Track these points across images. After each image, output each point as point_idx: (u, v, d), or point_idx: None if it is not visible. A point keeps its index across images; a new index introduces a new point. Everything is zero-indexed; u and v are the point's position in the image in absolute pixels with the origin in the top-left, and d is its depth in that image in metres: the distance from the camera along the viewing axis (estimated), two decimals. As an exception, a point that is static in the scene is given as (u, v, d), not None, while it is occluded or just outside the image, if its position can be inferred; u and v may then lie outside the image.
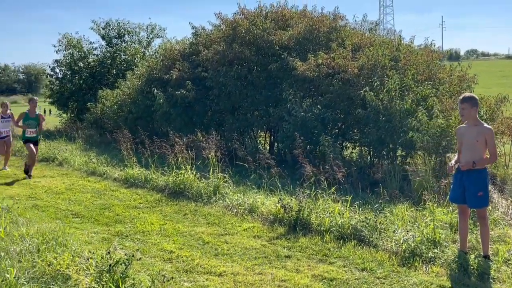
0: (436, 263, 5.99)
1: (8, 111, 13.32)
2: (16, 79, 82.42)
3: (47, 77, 28.07)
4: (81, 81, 25.29)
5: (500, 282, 5.47)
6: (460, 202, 6.20)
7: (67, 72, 25.61)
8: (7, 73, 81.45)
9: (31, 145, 12.33)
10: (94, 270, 4.94)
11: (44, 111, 39.31)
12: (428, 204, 7.68)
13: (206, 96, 14.60)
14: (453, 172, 6.25)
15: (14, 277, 4.60)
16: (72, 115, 25.01)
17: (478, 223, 6.40)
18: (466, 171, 6.00)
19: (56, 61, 25.76)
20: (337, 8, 14.86)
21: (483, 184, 5.98)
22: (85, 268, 5.06)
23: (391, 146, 11.00)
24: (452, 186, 6.34)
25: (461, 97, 6.13)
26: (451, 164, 6.24)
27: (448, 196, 7.76)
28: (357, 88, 11.56)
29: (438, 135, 9.66)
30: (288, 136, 11.75)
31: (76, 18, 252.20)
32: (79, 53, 25.52)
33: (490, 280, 5.52)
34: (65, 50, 25.37)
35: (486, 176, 6.08)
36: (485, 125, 6.07)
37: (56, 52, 25.55)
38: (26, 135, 12.41)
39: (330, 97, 12.06)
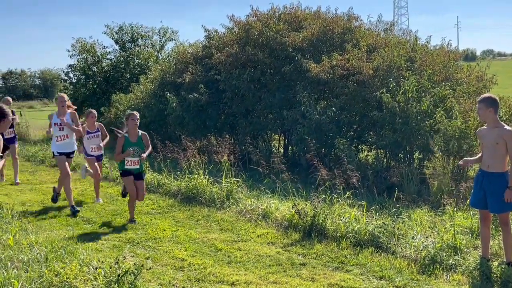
0: (457, 271, 5.77)
1: (96, 123, 10.20)
2: (32, 84, 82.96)
3: (61, 82, 28.12)
4: (95, 86, 25.29)
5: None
6: (481, 207, 5.97)
7: (81, 76, 25.62)
8: (24, 78, 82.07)
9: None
10: (102, 281, 4.79)
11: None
12: (448, 209, 7.47)
13: (219, 99, 14.45)
14: (466, 166, 6.15)
15: (19, 289, 4.47)
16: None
17: (500, 229, 6.14)
18: (487, 175, 5.78)
19: (70, 66, 25.78)
20: (351, 8, 14.64)
21: (505, 188, 5.73)
22: (92, 279, 4.91)
23: (408, 148, 10.76)
24: (473, 191, 6.10)
25: (479, 98, 5.93)
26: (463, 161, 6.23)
27: (468, 200, 7.55)
28: (373, 89, 11.33)
29: (457, 137, 9.40)
30: (302, 139, 11.55)
31: (90, 23, 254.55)
32: (93, 58, 25.52)
33: (515, 288, 5.28)
34: (79, 55, 25.38)
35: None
36: (506, 127, 5.81)
37: (70, 57, 25.57)
38: (127, 166, 8.35)
39: (345, 99, 11.84)
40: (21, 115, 23.89)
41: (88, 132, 10.02)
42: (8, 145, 9.15)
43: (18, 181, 12.13)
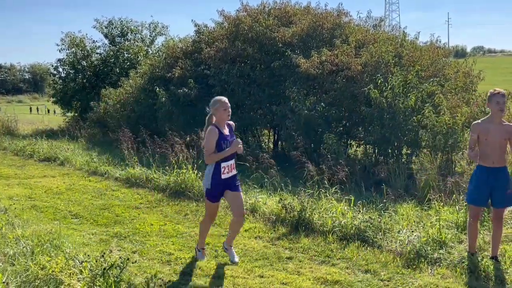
0: (442, 265, 5.82)
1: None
2: (22, 79, 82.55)
3: (50, 76, 27.99)
4: (84, 80, 25.21)
5: (508, 283, 5.28)
6: (481, 204, 5.89)
7: (70, 71, 25.51)
8: (13, 72, 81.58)
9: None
10: (88, 274, 4.79)
11: (48, 111, 39.39)
12: (434, 204, 7.51)
13: (209, 94, 14.39)
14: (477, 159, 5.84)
15: (4, 282, 4.45)
16: (76, 114, 24.91)
17: (492, 224, 6.06)
18: (493, 171, 5.73)
19: (59, 60, 25.67)
20: (341, 4, 14.70)
21: (510, 182, 5.75)
22: (78, 272, 4.91)
23: (396, 144, 10.82)
24: (474, 188, 5.87)
25: (500, 92, 5.69)
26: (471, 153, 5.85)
27: (455, 196, 7.61)
28: (361, 85, 11.38)
29: (444, 133, 9.47)
30: (291, 135, 11.58)
31: (79, 17, 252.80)
32: (82, 52, 25.41)
33: (498, 281, 5.33)
34: (68, 49, 25.27)
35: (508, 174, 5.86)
36: (508, 123, 5.82)
37: (59, 51, 25.49)
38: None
39: (334, 95, 11.89)
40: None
41: None
42: None
43: None
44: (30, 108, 41.76)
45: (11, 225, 6.85)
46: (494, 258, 5.77)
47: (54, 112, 40.43)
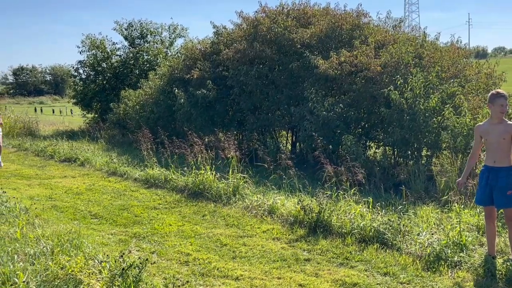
0: (462, 268, 5.74)
1: None
2: (43, 80, 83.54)
3: (71, 77, 28.31)
4: (104, 82, 25.47)
5: (530, 288, 5.19)
6: (487, 203, 5.92)
7: (91, 72, 25.78)
8: (34, 74, 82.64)
9: None
10: (107, 274, 4.82)
11: (71, 111, 39.97)
12: (454, 206, 7.42)
13: (227, 96, 14.48)
14: (462, 188, 6.11)
15: (24, 281, 4.50)
16: (96, 115, 25.17)
17: (506, 226, 6.10)
18: (494, 170, 5.74)
19: (80, 62, 25.95)
20: (360, 5, 14.57)
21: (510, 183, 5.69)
22: (97, 272, 4.94)
23: (415, 145, 10.71)
24: (478, 188, 6.04)
25: (504, 95, 5.76)
26: (460, 182, 6.23)
27: (474, 198, 7.51)
28: (380, 86, 11.28)
29: (465, 134, 9.35)
30: (310, 136, 11.53)
31: (100, 19, 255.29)
32: (102, 54, 25.64)
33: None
34: (89, 51, 25.52)
35: None
36: (509, 122, 5.79)
37: (80, 53, 25.75)
38: None
39: (352, 96, 11.80)
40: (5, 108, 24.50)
41: None
42: None
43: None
44: (53, 110, 42.38)
45: (32, 225, 6.94)
46: (513, 260, 5.69)
47: (71, 111, 40.89)
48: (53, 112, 41.30)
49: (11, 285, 4.53)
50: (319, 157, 9.23)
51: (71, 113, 40.33)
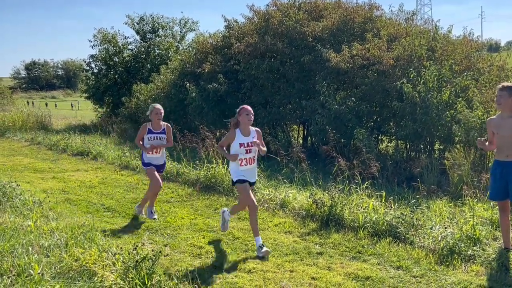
0: (476, 262, 5.70)
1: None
2: (55, 75, 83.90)
3: (83, 72, 28.46)
4: (116, 76, 25.56)
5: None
6: (501, 198, 5.87)
7: (103, 67, 25.89)
8: (46, 68, 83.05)
9: None
10: (121, 266, 4.86)
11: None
12: (468, 200, 7.38)
13: (238, 89, 14.47)
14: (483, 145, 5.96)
15: (39, 273, 4.55)
16: (108, 110, 25.28)
17: None
18: (507, 165, 5.69)
19: (92, 56, 26.05)
20: (373, -2, 14.47)
21: None
22: (111, 264, 4.98)
23: (428, 139, 10.65)
24: (491, 183, 5.98)
25: (500, 85, 5.80)
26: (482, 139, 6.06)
27: (488, 193, 7.45)
28: (393, 79, 11.23)
29: (478, 128, 9.28)
30: (321, 129, 11.50)
31: (111, 13, 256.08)
32: (114, 48, 25.73)
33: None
34: (101, 45, 25.63)
35: None
36: None
37: (92, 47, 25.90)
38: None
39: (364, 89, 11.75)
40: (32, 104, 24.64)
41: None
42: None
43: None
44: (72, 104, 42.72)
45: (46, 218, 7.00)
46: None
47: (78, 104, 41.19)
48: (72, 106, 41.56)
49: (26, 276, 4.58)
50: (331, 151, 9.20)
51: (77, 106, 40.65)
